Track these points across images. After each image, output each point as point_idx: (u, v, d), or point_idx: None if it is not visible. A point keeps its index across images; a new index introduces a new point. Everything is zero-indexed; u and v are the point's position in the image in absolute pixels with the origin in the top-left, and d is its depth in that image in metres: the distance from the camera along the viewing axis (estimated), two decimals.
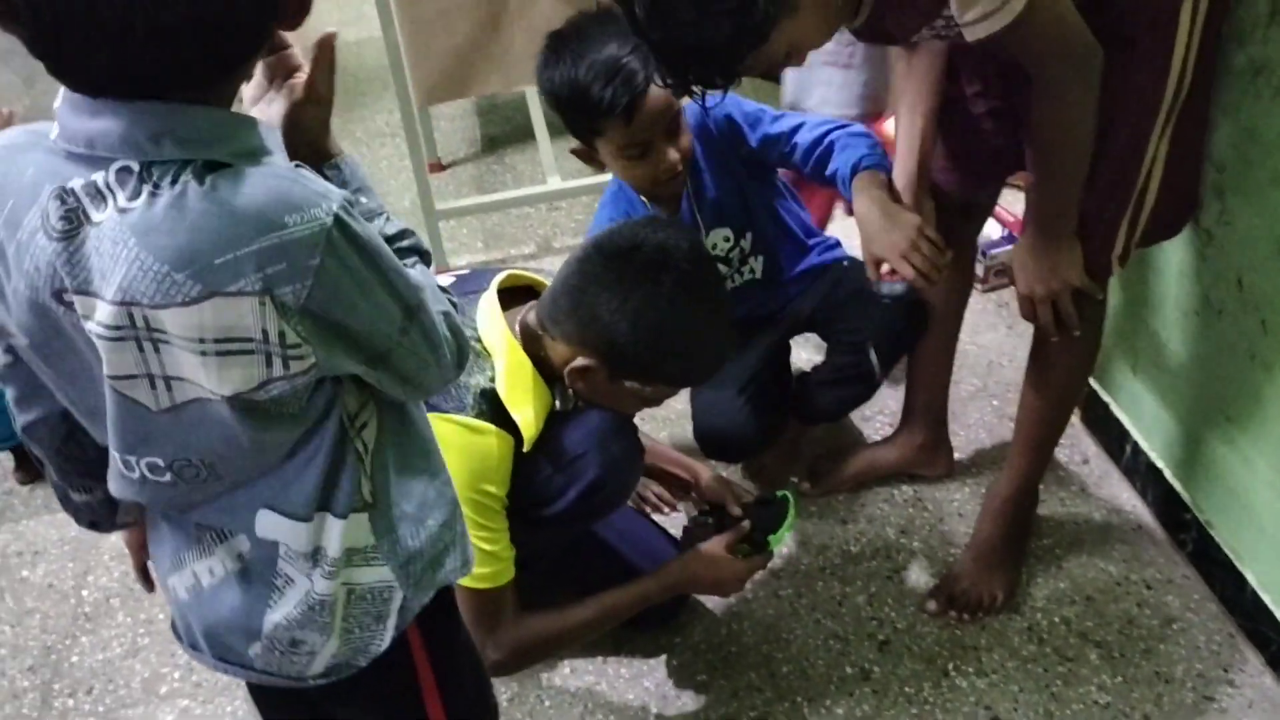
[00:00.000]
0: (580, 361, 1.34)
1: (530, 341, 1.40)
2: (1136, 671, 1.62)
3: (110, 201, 0.77)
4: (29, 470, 2.18)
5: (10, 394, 1.00)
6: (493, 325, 1.39)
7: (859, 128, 1.71)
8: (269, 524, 0.94)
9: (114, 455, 0.92)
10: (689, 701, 1.65)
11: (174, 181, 0.76)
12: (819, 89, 2.14)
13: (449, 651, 1.14)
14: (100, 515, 1.08)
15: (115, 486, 0.96)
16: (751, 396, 1.85)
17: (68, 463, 1.02)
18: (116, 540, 2.03)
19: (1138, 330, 1.85)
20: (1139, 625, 1.69)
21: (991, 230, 2.38)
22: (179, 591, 1.02)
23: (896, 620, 1.74)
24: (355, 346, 0.85)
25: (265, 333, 0.79)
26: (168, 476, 0.91)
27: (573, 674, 1.69)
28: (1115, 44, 1.28)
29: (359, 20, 4.12)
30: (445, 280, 1.42)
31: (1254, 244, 1.49)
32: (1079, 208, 1.41)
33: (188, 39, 0.73)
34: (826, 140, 1.67)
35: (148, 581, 1.19)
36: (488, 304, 1.41)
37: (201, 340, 0.79)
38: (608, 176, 2.79)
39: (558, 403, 1.44)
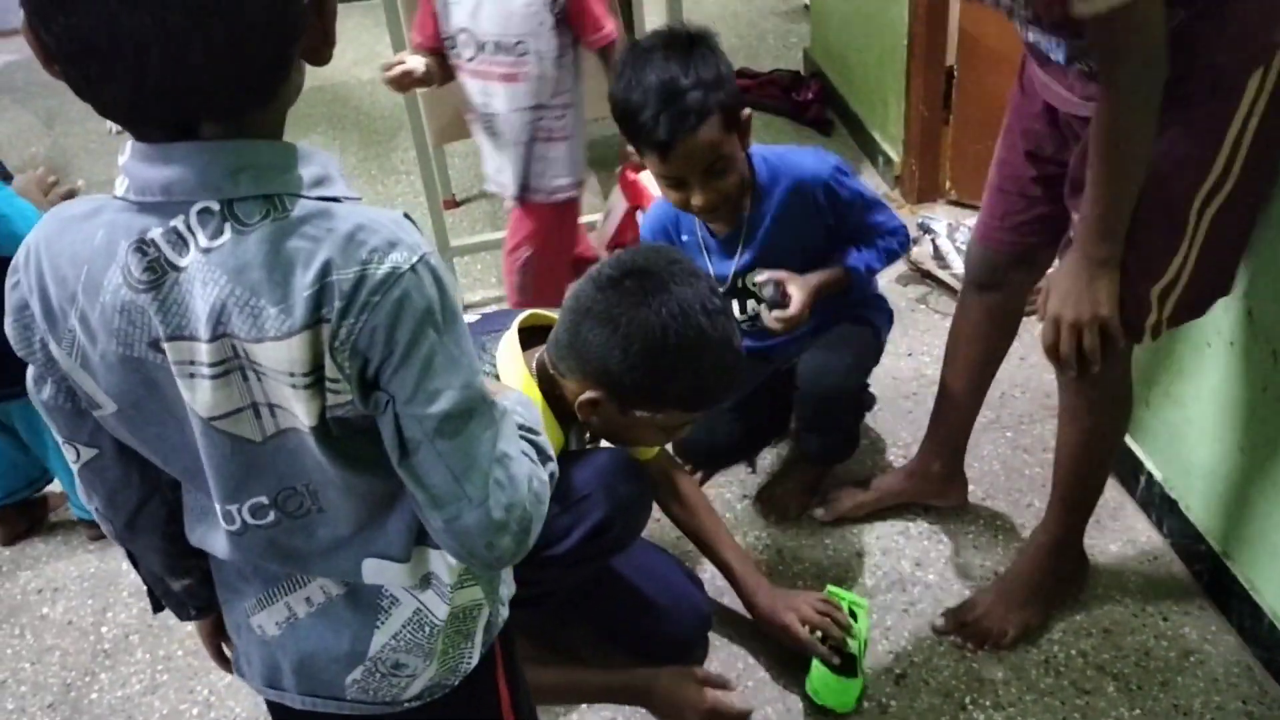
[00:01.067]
0: (588, 395, 1.33)
1: (546, 381, 1.41)
2: (1154, 704, 1.62)
3: (192, 243, 0.77)
4: (10, 529, 2.17)
5: (100, 497, 1.00)
6: (511, 364, 1.40)
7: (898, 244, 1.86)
8: (373, 569, 0.95)
9: (216, 510, 0.91)
10: None
11: (264, 216, 0.77)
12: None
13: (518, 668, 1.17)
14: (202, 598, 1.09)
15: (218, 546, 0.96)
16: (739, 409, 1.89)
17: (174, 544, 1.02)
18: (135, 577, 2.04)
19: (1151, 362, 1.85)
20: (1156, 657, 1.69)
21: None
22: (268, 629, 1.01)
23: (913, 654, 1.73)
24: (390, 413, 0.82)
25: (326, 363, 0.79)
26: (271, 515, 0.90)
27: (590, 709, 1.69)
28: (1171, 103, 1.24)
29: (372, 59, 4.18)
30: (470, 319, 1.45)
31: (1263, 275, 1.50)
32: (1124, 251, 1.36)
33: (205, 67, 0.72)
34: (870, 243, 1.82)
35: (225, 662, 1.18)
36: (507, 343, 1.41)
37: (292, 374, 0.79)
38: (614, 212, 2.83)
39: (573, 443, 1.44)
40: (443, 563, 0.97)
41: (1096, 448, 1.65)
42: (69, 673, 1.87)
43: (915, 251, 2.63)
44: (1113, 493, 1.98)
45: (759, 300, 1.75)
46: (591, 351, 1.32)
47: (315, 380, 0.79)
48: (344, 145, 3.65)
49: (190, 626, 1.89)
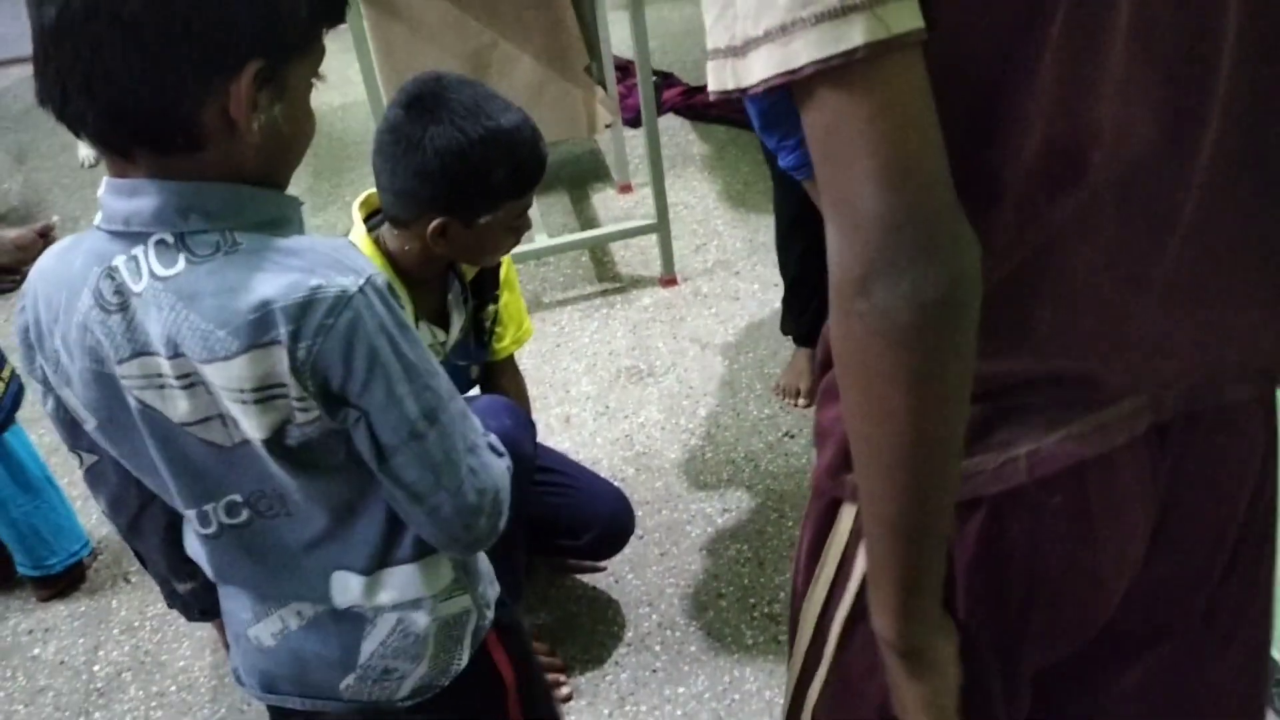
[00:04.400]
0: (434, 223, 1.43)
1: (397, 250, 1.51)
2: None
3: (145, 271, 0.87)
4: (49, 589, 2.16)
5: (104, 500, 1.10)
6: (357, 240, 1.49)
7: None
8: (341, 585, 1.03)
9: (191, 516, 1.00)
10: None
11: (215, 249, 0.87)
12: None
13: (526, 654, 1.27)
14: (206, 601, 1.15)
15: (198, 554, 1.05)
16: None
17: (174, 549, 1.10)
18: (127, 614, 2.07)
19: None
20: None
21: None
22: (263, 640, 1.09)
23: None
24: (364, 426, 0.91)
25: (288, 383, 0.87)
26: (245, 514, 0.98)
27: (593, 702, 1.72)
28: None
29: (344, 85, 4.19)
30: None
31: None
32: None
33: (126, 94, 0.81)
34: None
35: None
36: (355, 227, 1.52)
37: (241, 390, 0.87)
38: (593, 233, 2.86)
39: (455, 318, 1.60)
40: (414, 580, 1.04)
41: None
42: (62, 713, 1.88)
43: None
44: None
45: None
46: (413, 184, 1.41)
47: (264, 397, 0.88)
48: (317, 170, 3.67)
49: (182, 663, 1.92)
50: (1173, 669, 0.88)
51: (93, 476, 1.07)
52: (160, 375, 0.89)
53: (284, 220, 0.91)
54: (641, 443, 2.31)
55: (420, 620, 1.06)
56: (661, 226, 2.74)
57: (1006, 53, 0.63)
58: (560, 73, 2.63)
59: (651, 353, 2.59)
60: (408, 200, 1.44)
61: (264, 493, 0.97)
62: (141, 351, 0.89)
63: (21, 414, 1.96)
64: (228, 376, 0.87)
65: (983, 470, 0.72)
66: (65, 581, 2.12)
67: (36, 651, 2.02)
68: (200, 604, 1.16)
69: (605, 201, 3.29)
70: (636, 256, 2.98)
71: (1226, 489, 0.82)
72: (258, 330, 0.85)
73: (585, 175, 3.43)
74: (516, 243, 1.60)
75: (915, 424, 0.64)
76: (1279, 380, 0.80)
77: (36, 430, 2.22)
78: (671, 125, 3.61)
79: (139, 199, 0.86)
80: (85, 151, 3.95)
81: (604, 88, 2.93)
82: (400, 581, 1.03)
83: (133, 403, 0.92)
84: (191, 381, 0.89)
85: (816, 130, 0.62)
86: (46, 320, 0.93)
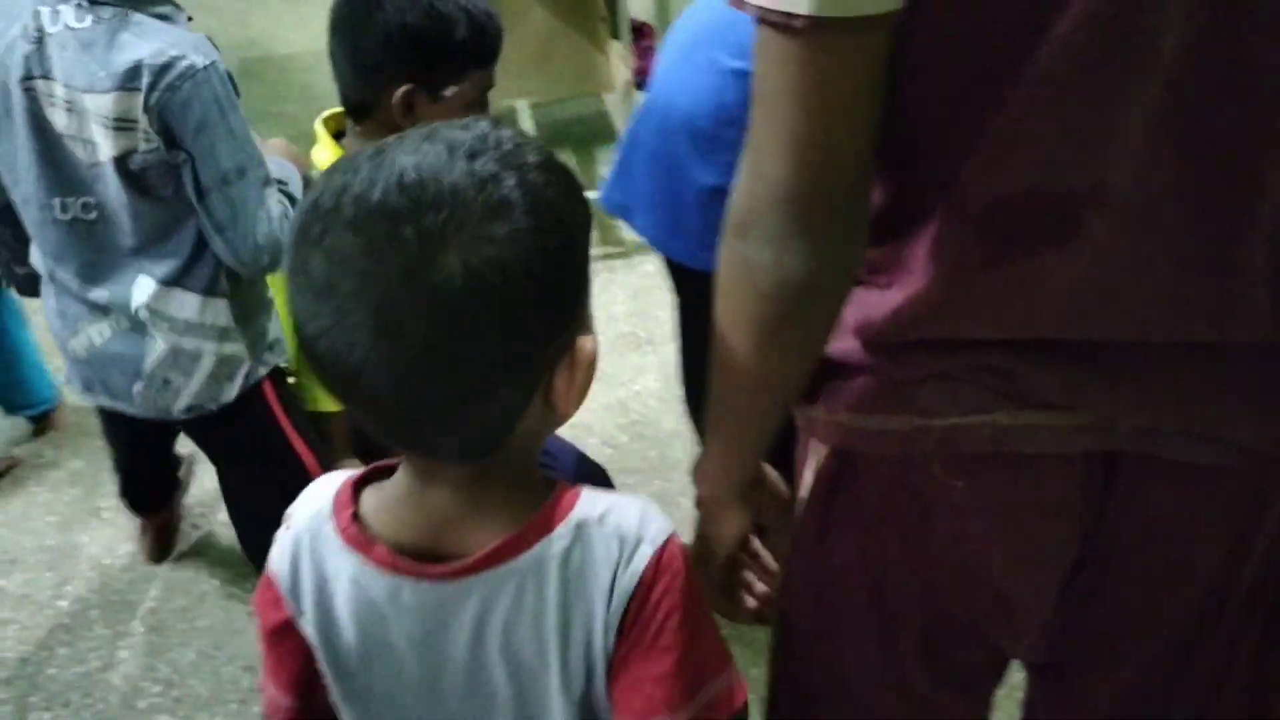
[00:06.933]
0: (399, 95, 1.35)
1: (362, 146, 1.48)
2: None
3: (60, 21, 1.29)
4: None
5: None
6: (324, 152, 1.44)
7: None
8: (142, 286, 1.40)
9: (55, 204, 1.37)
10: None
11: (113, 17, 1.28)
12: None
13: (293, 404, 1.56)
14: (35, 287, 1.54)
15: (45, 234, 1.42)
16: None
17: (16, 236, 1.51)
18: (96, 551, 2.00)
19: None
20: None
21: None
22: (78, 352, 1.48)
23: None
24: (190, 167, 1.31)
25: (139, 118, 1.28)
26: (94, 214, 1.38)
27: None
28: None
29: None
30: None
31: None
32: None
33: None
34: None
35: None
36: (320, 140, 1.46)
37: (105, 118, 1.29)
38: (593, 194, 2.80)
39: None
40: (193, 307, 1.41)
41: None
42: (25, 647, 1.83)
43: None
44: None
45: None
46: (375, 51, 1.35)
47: (121, 127, 1.29)
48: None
49: (151, 604, 1.86)
50: (1140, 697, 0.85)
51: None
52: (52, 95, 1.31)
53: (169, 15, 1.34)
54: (637, 411, 2.26)
55: (190, 344, 1.43)
56: None
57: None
58: (574, 25, 2.56)
59: (651, 320, 2.54)
60: (370, 74, 1.38)
61: (106, 202, 1.36)
62: (44, 75, 1.31)
63: None
64: (99, 106, 1.29)
65: (893, 431, 0.74)
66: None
67: (1, 583, 1.95)
68: (31, 287, 1.56)
69: (611, 163, 3.22)
70: None
71: (1180, 543, 0.75)
72: (127, 78, 1.27)
73: (592, 136, 3.36)
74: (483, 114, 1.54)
75: (747, 361, 0.71)
76: (1249, 452, 0.71)
77: None
78: None
79: None
80: None
81: (619, 42, 2.85)
82: (184, 304, 1.41)
83: (22, 113, 1.32)
84: (71, 106, 1.31)
85: (757, 70, 0.64)
86: None
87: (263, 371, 1.50)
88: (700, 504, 0.88)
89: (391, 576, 0.70)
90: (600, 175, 3.14)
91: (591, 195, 2.85)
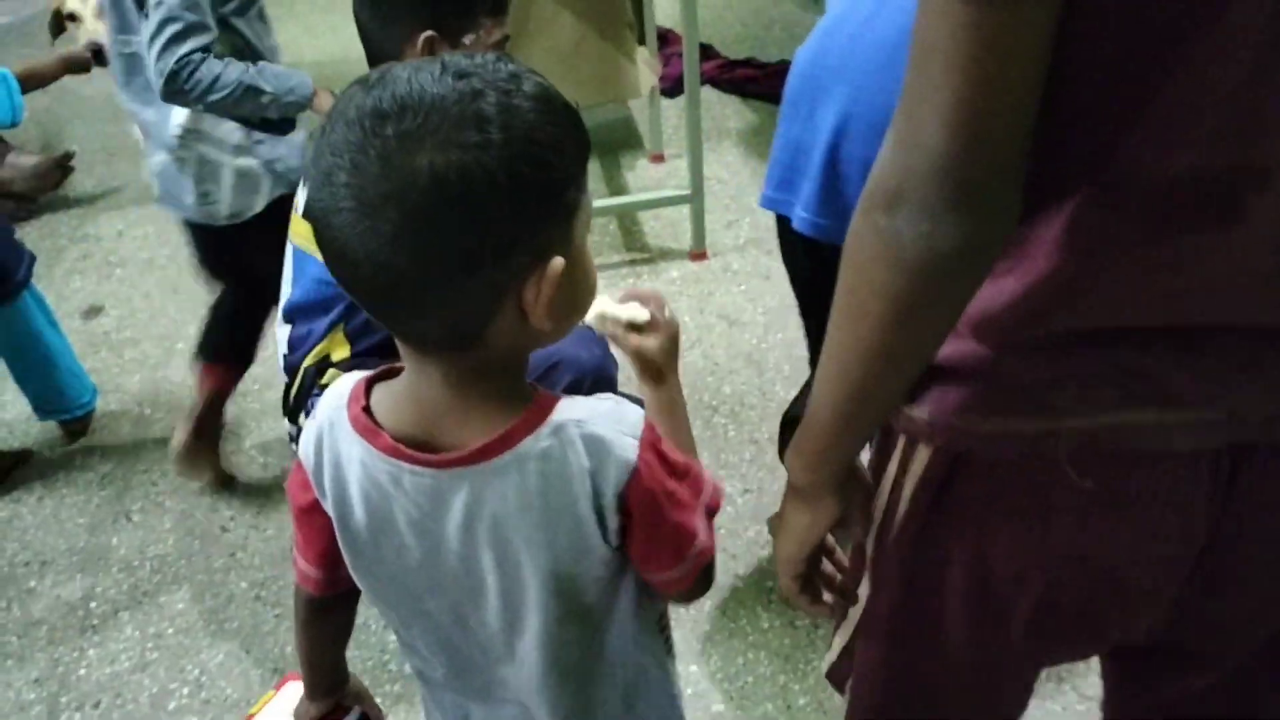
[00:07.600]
0: (421, 41, 1.38)
1: None
2: None
3: None
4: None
5: None
6: None
7: None
8: (177, 111, 1.80)
9: (119, 40, 1.84)
10: None
11: None
12: None
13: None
14: None
15: (115, 65, 1.90)
16: None
17: None
18: (126, 553, 2.02)
19: None
20: None
21: None
22: (154, 168, 1.91)
23: None
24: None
25: None
26: (133, 49, 1.80)
27: None
28: None
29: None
30: None
31: None
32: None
33: None
34: None
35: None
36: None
37: None
38: (624, 199, 2.80)
39: None
40: (213, 125, 1.83)
41: None
42: (57, 648, 1.84)
43: None
44: None
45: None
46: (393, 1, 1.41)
47: None
48: None
49: (181, 606, 1.88)
50: (1236, 696, 0.84)
51: None
52: None
53: None
54: None
55: (213, 155, 1.83)
56: (696, 197, 2.68)
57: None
58: (601, 32, 2.57)
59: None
60: (393, 23, 1.42)
61: (143, 41, 1.70)
62: None
63: None
64: None
65: (1016, 433, 0.73)
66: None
67: (33, 584, 1.97)
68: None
69: (636, 170, 3.23)
70: (666, 228, 2.92)
71: None
72: None
73: (618, 142, 3.37)
74: None
75: (880, 338, 0.68)
76: None
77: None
78: (708, 98, 3.53)
79: None
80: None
81: (646, 49, 2.86)
82: (204, 121, 1.81)
83: None
84: None
85: (919, 35, 0.60)
86: None
87: (282, 191, 1.84)
88: (793, 493, 0.85)
89: (393, 462, 0.79)
90: (626, 183, 3.16)
91: (614, 201, 2.85)
